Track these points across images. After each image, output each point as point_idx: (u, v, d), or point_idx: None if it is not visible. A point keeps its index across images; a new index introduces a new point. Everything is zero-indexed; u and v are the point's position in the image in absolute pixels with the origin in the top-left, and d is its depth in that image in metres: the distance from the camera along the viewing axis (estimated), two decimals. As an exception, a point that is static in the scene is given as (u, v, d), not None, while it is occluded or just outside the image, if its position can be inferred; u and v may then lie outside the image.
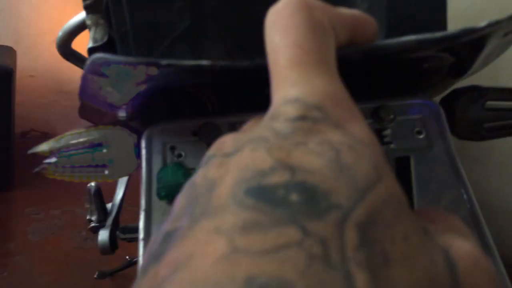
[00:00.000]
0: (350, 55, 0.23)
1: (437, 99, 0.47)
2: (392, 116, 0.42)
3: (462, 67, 0.40)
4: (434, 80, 0.43)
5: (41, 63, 2.04)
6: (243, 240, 0.14)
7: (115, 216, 0.81)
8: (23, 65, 1.90)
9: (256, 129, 0.19)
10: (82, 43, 0.69)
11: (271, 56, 0.21)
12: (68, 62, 0.81)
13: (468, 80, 0.47)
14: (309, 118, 0.18)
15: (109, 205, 0.85)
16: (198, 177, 0.18)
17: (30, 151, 0.43)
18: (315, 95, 0.19)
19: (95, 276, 1.39)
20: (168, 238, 0.16)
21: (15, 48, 1.86)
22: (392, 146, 0.42)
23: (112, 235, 0.76)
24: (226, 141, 0.19)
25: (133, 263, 1.37)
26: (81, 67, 0.72)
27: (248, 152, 0.17)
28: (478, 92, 0.46)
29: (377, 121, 0.42)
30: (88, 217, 0.83)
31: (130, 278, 1.42)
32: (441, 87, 0.45)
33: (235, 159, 0.17)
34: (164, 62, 0.27)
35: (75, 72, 2.00)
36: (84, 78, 0.32)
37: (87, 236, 1.56)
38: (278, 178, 0.16)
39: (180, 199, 0.18)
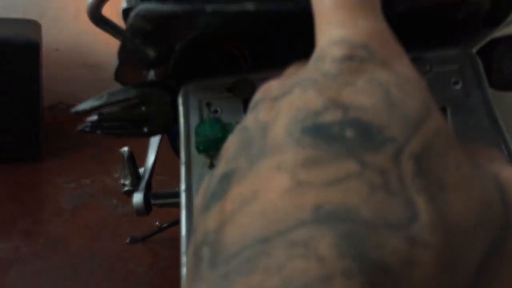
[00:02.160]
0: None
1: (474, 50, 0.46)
2: (428, 67, 0.42)
3: (499, 14, 0.39)
4: (470, 29, 0.43)
5: (65, 36, 2.06)
6: (305, 174, 0.15)
7: (148, 180, 0.83)
8: (48, 38, 1.92)
9: (302, 72, 0.19)
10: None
11: None
12: (92, 33, 0.82)
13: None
14: (356, 58, 0.18)
15: (141, 170, 0.87)
16: (248, 121, 0.19)
17: (73, 110, 0.45)
18: (361, 35, 0.19)
19: (127, 241, 1.44)
20: (226, 178, 0.17)
21: (39, 21, 1.88)
22: None
23: (146, 197, 0.79)
24: (273, 85, 0.20)
25: (163, 228, 1.41)
26: (111, 33, 0.72)
27: (298, 93, 0.18)
28: (516, 41, 0.45)
29: (412, 72, 0.42)
30: (122, 182, 0.85)
31: (160, 243, 1.47)
32: (478, 37, 0.45)
33: (285, 101, 0.18)
34: (209, 8, 0.27)
35: (99, 45, 2.01)
36: (126, 32, 0.33)
37: (117, 203, 1.61)
38: (332, 116, 0.16)
39: (232, 142, 0.19)
